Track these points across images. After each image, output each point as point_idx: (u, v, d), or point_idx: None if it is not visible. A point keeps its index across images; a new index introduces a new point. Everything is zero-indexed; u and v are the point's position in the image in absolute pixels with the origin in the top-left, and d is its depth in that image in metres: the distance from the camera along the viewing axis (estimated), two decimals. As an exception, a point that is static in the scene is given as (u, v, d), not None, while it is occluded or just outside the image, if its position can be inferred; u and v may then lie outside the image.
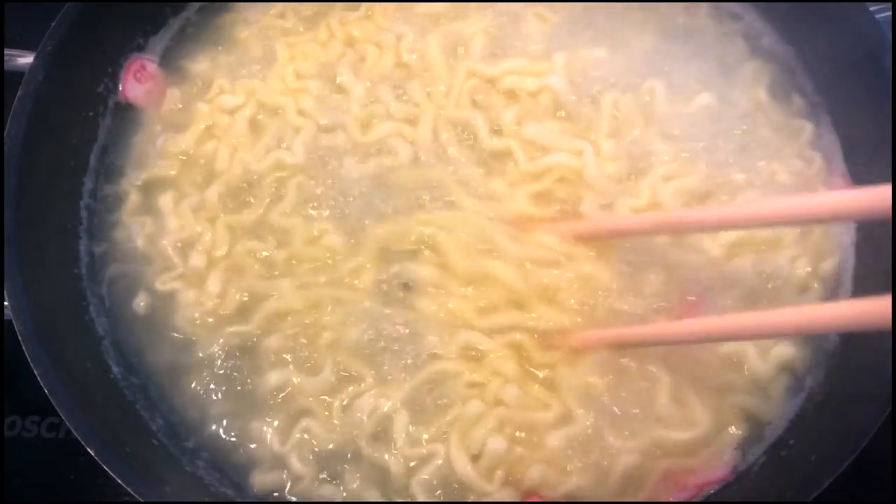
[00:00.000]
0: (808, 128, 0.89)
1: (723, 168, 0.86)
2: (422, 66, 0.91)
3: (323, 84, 0.91)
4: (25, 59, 0.86)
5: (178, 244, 0.83)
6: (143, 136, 0.90)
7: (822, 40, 0.90)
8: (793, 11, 0.92)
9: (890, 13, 0.94)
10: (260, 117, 0.90)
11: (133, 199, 0.86)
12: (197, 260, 0.82)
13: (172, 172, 0.87)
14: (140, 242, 0.84)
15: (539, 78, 0.89)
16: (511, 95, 0.89)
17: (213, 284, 0.81)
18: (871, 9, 0.87)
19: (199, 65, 0.93)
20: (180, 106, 0.91)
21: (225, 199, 0.85)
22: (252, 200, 0.85)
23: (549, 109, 0.88)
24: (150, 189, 0.87)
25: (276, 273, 0.81)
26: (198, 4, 0.97)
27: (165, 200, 0.85)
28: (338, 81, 0.90)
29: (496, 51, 0.91)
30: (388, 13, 0.94)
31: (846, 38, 0.86)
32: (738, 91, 0.90)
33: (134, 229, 0.85)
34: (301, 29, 0.95)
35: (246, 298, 0.80)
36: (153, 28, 0.94)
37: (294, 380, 0.76)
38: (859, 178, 0.86)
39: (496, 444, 0.72)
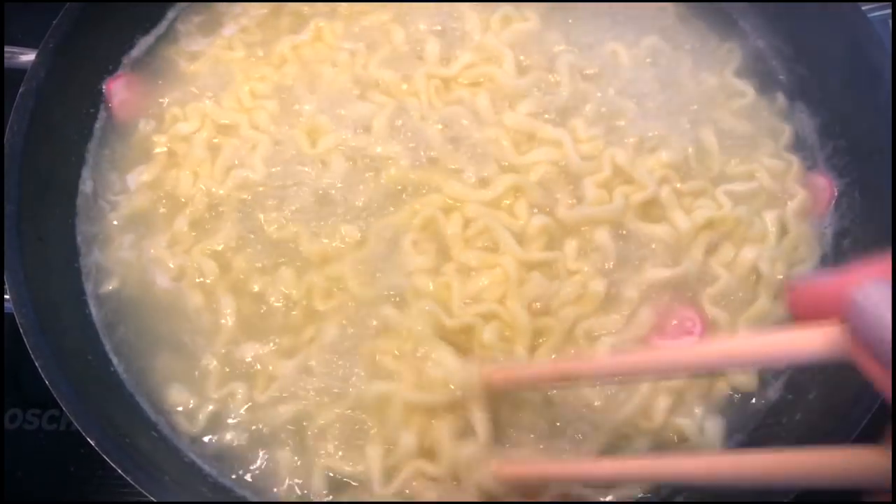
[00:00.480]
0: (787, 131, 0.90)
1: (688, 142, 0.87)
2: (378, 78, 0.90)
3: (279, 103, 0.89)
4: (27, 57, 0.87)
5: (170, 279, 0.82)
6: (116, 159, 0.89)
7: (810, 33, 0.91)
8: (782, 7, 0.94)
9: (889, 11, 0.95)
10: (216, 140, 0.88)
11: (116, 239, 0.85)
12: (195, 299, 0.81)
13: (144, 206, 0.86)
14: (132, 286, 0.83)
15: (492, 67, 0.90)
16: (475, 85, 0.90)
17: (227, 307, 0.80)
18: (865, 7, 0.88)
19: (156, 98, 0.92)
20: (142, 141, 0.89)
21: (195, 227, 0.84)
22: (222, 223, 0.84)
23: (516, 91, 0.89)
24: (130, 225, 0.85)
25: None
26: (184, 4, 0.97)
27: (147, 242, 0.84)
28: (294, 98, 0.90)
29: (448, 52, 0.92)
30: (337, 31, 0.94)
31: (835, 33, 0.87)
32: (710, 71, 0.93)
33: (123, 265, 0.83)
34: (253, 59, 0.93)
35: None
36: (152, 25, 0.95)
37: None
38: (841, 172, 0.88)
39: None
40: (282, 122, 0.89)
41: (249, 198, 0.84)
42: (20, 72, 0.82)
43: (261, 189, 0.85)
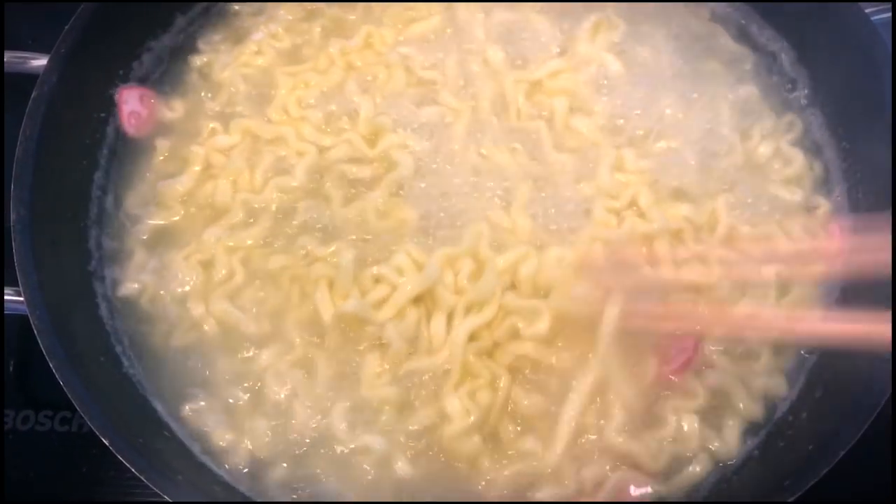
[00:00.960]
0: (823, 206, 0.87)
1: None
2: (443, 79, 0.91)
3: (329, 108, 0.90)
4: (39, 62, 0.88)
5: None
6: (141, 172, 0.89)
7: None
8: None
9: (889, 14, 0.95)
10: (256, 151, 0.89)
11: (138, 255, 0.85)
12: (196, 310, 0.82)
13: (175, 219, 0.86)
14: (147, 302, 0.83)
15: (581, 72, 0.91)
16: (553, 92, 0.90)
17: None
18: (869, 10, 0.89)
19: (177, 112, 0.92)
20: (166, 154, 0.90)
21: (229, 237, 0.84)
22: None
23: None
24: (157, 240, 0.86)
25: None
26: (194, 8, 0.97)
27: (173, 257, 0.84)
28: (348, 100, 0.90)
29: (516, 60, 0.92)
30: (387, 40, 0.94)
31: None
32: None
33: (143, 282, 0.83)
34: (295, 65, 0.93)
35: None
36: (164, 30, 0.95)
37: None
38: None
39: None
40: (333, 126, 0.89)
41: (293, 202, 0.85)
42: (32, 77, 0.83)
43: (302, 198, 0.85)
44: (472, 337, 0.77)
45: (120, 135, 0.90)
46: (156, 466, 0.69)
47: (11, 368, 0.92)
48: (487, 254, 0.80)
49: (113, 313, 0.82)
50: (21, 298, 0.73)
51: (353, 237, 0.83)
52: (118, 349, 0.80)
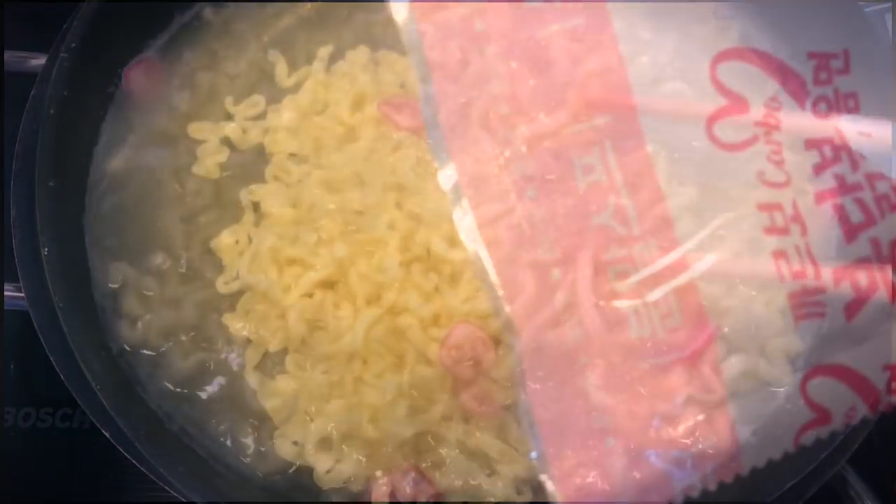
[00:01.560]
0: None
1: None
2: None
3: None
4: (38, 61, 0.89)
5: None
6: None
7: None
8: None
9: (888, 5, 0.95)
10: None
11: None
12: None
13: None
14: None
15: None
16: None
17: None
18: (861, 3, 0.89)
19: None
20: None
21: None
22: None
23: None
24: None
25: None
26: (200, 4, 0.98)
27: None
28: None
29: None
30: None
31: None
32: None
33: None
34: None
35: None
36: (161, 29, 0.96)
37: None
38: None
39: None
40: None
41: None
42: (31, 76, 0.84)
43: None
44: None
45: (118, 127, 0.91)
46: (157, 458, 0.69)
47: (12, 365, 0.93)
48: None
49: (114, 305, 0.82)
50: (22, 294, 0.74)
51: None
52: (118, 344, 0.80)
